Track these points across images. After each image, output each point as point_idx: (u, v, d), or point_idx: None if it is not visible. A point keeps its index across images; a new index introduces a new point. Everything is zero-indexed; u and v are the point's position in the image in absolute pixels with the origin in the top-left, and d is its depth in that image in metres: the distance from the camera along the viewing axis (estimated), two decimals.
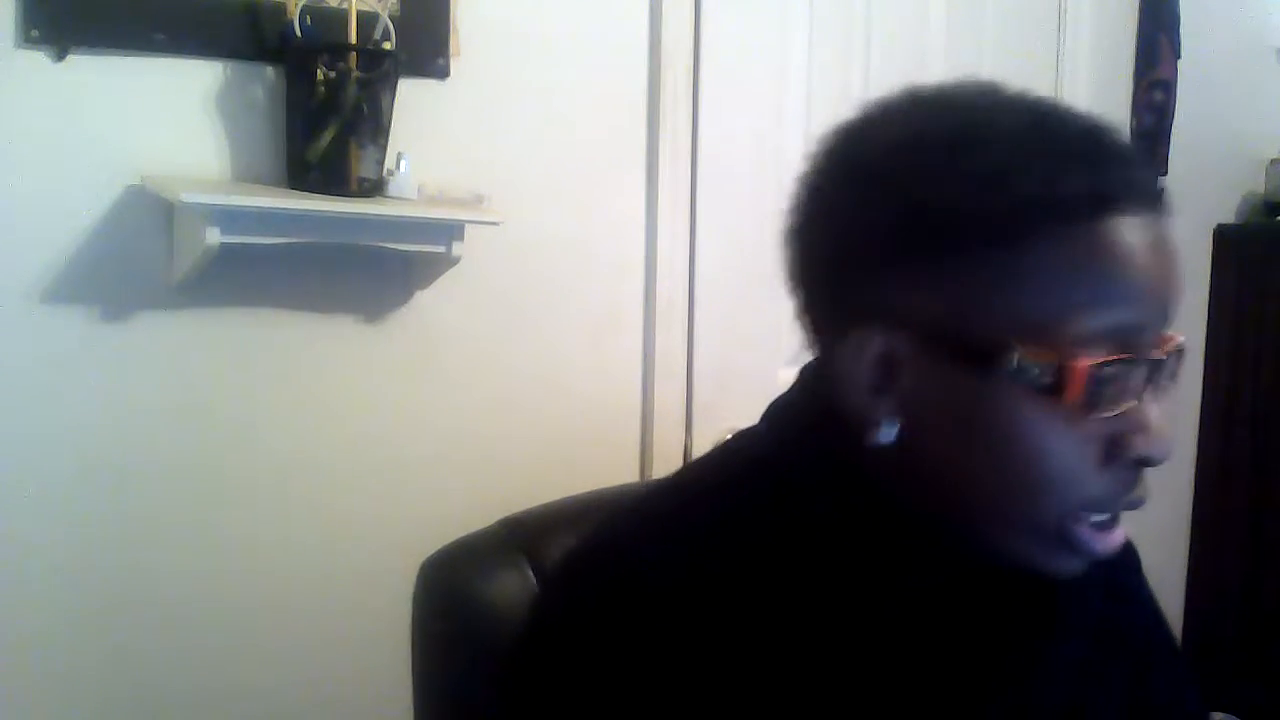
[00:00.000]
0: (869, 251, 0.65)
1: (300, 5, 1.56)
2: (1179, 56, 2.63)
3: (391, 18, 1.62)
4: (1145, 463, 0.64)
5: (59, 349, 1.54)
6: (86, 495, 1.57)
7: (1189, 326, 2.82)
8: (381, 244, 1.64)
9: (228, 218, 1.48)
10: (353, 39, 1.57)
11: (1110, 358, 0.61)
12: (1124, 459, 0.64)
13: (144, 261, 1.57)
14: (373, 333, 1.75)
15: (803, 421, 0.73)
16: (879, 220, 0.64)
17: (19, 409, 1.53)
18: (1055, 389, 0.61)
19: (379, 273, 1.73)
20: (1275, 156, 2.85)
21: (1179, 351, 0.68)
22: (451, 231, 1.66)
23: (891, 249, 0.64)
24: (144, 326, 1.58)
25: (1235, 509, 2.83)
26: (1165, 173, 2.66)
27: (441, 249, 1.66)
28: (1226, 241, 2.83)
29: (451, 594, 0.93)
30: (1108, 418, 0.62)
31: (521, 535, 0.95)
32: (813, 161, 0.70)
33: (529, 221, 1.81)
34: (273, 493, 1.69)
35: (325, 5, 1.61)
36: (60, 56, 1.50)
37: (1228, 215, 2.87)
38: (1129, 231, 0.63)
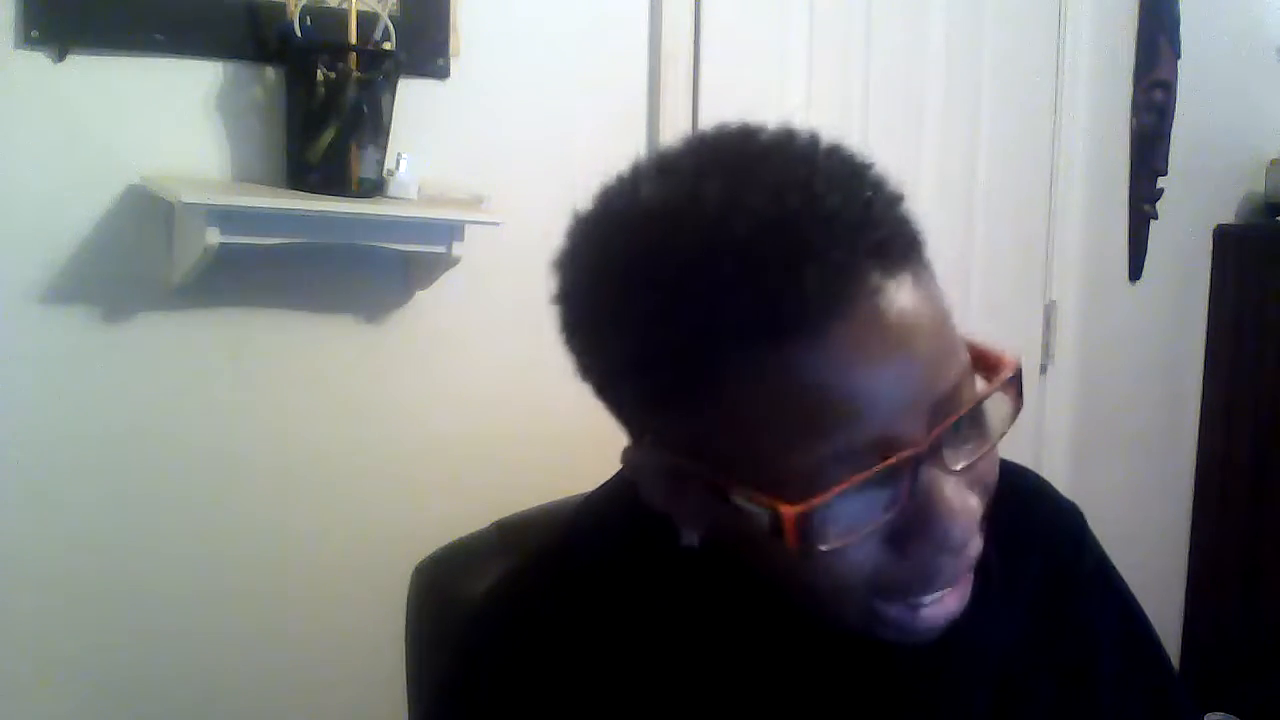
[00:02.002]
0: (602, 380, 0.63)
1: (300, 5, 1.56)
2: (1179, 56, 2.63)
3: (391, 18, 1.62)
4: (938, 551, 0.57)
5: (59, 349, 1.54)
6: (86, 494, 1.58)
7: (1189, 326, 2.83)
8: (381, 244, 1.64)
9: (227, 218, 1.48)
10: (353, 39, 1.58)
11: (824, 496, 0.53)
12: (913, 555, 0.57)
13: (144, 261, 1.57)
14: (373, 333, 1.75)
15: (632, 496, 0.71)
16: (594, 353, 0.63)
17: (19, 408, 1.53)
18: (780, 533, 0.54)
19: (379, 273, 1.73)
20: (1275, 156, 2.85)
21: (975, 410, 0.57)
22: (451, 231, 1.66)
23: (621, 379, 0.61)
24: (144, 326, 1.58)
25: (1235, 509, 2.83)
26: (1165, 172, 2.66)
27: (441, 249, 1.66)
28: (1226, 241, 2.83)
29: (444, 596, 0.94)
30: (873, 529, 0.56)
31: (514, 538, 0.96)
32: (554, 275, 0.68)
33: (529, 221, 1.81)
34: (270, 491, 1.69)
35: (325, 5, 1.61)
36: (60, 57, 1.50)
37: (1228, 215, 2.87)
38: (843, 342, 0.53)
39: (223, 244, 1.48)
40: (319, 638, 1.73)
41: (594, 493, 0.77)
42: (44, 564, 1.56)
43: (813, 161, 0.56)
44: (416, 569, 0.98)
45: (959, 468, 0.57)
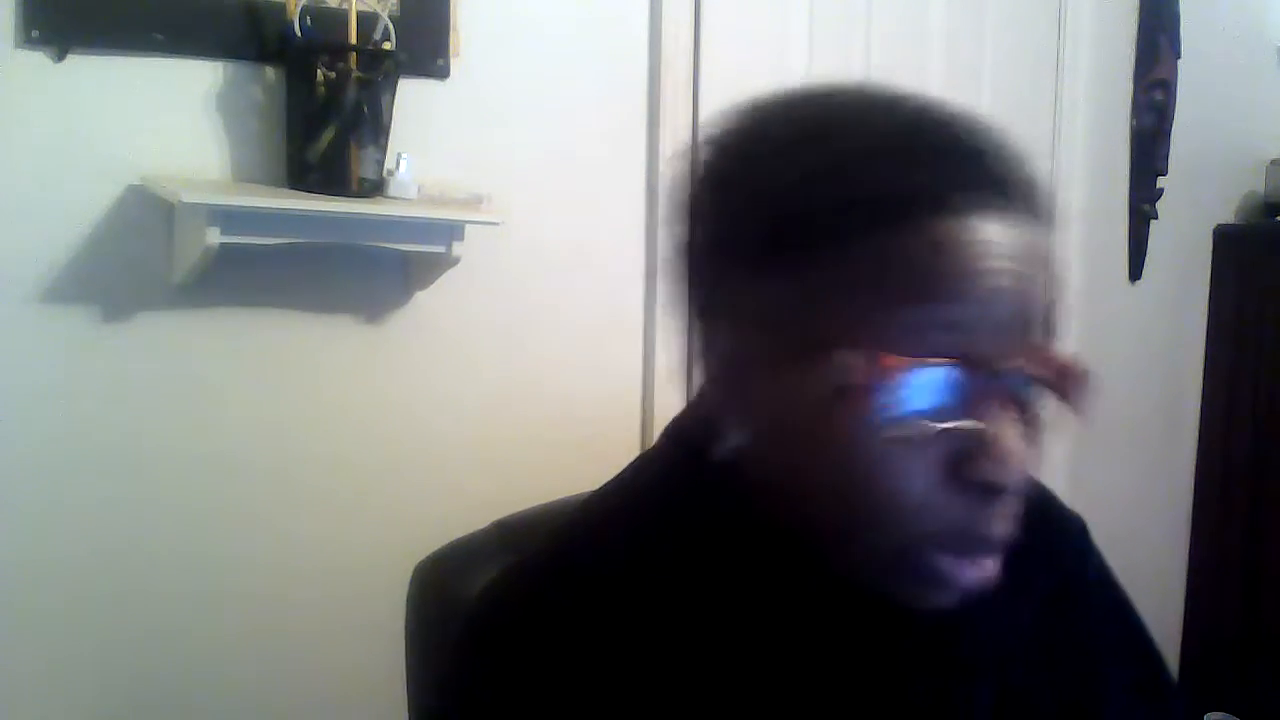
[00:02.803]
0: (716, 247, 0.65)
1: (300, 5, 1.56)
2: (1179, 56, 2.63)
3: (391, 18, 1.62)
4: (988, 488, 0.59)
5: (59, 349, 1.54)
6: (86, 493, 1.58)
7: (1189, 326, 2.83)
8: (381, 244, 1.65)
9: (228, 218, 1.48)
10: (353, 39, 1.58)
11: (934, 359, 0.57)
12: (965, 482, 0.59)
13: (144, 261, 1.57)
14: (373, 333, 1.75)
15: (681, 438, 0.73)
16: (724, 216, 0.64)
17: (19, 408, 1.53)
18: (874, 389, 0.57)
19: (379, 273, 1.73)
20: (1275, 156, 2.85)
21: (1059, 371, 0.61)
22: (451, 231, 1.66)
23: (734, 245, 0.63)
24: (144, 326, 1.58)
25: (1235, 509, 2.83)
26: (1165, 172, 2.66)
27: (441, 249, 1.66)
28: (1226, 241, 2.83)
29: (445, 595, 0.93)
30: (947, 433, 0.58)
31: (515, 537, 0.95)
32: (688, 159, 0.70)
33: (529, 221, 1.81)
34: (270, 492, 1.69)
35: (325, 5, 1.61)
36: (60, 57, 1.50)
37: (1228, 215, 2.88)
38: (966, 233, 0.58)
39: (223, 244, 1.48)
40: (320, 636, 1.73)
41: (595, 492, 0.77)
42: (45, 563, 1.56)
43: (969, 110, 0.64)
44: (416, 568, 0.98)
45: (1021, 421, 0.60)
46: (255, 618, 1.69)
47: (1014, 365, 0.59)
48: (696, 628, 0.66)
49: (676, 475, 0.70)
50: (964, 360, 0.57)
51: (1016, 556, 0.68)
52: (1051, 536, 0.78)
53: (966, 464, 0.58)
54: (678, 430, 0.74)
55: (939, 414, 0.58)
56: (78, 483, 1.57)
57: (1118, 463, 2.70)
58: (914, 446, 0.58)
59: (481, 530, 0.99)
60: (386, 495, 1.77)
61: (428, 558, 0.98)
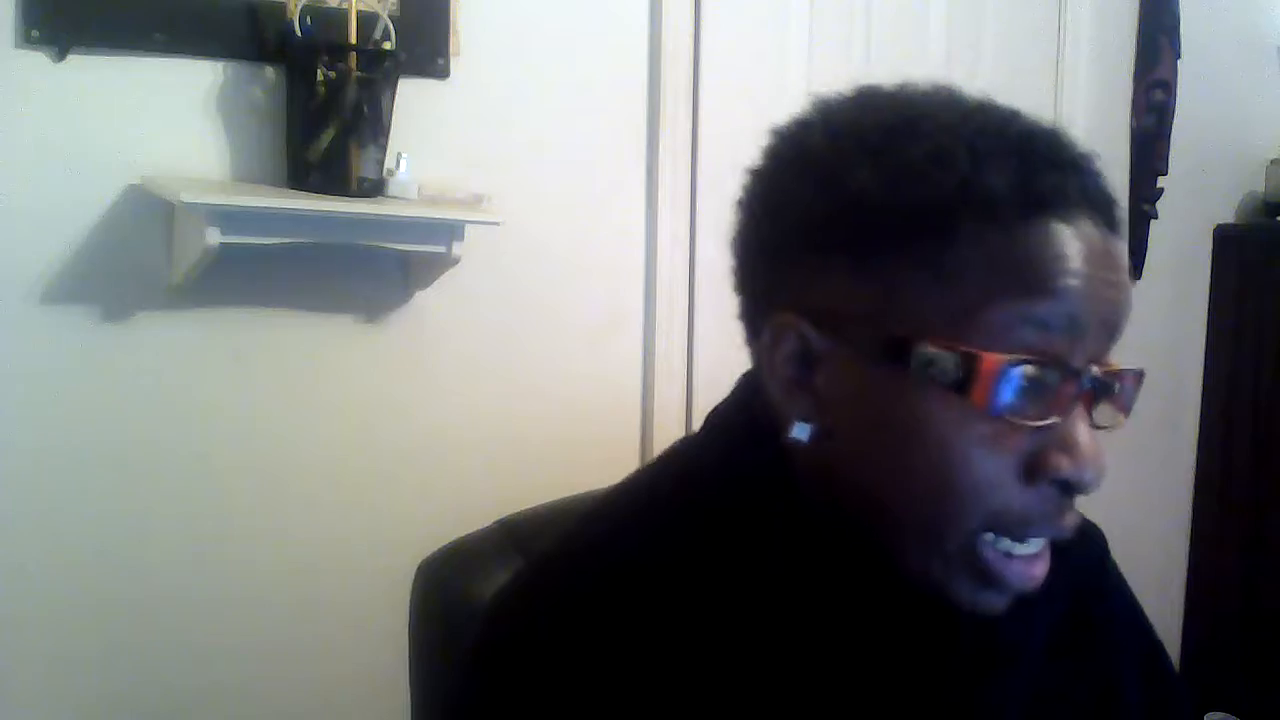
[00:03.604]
0: (793, 240, 0.65)
1: (300, 5, 1.56)
2: (1179, 56, 2.63)
3: (391, 18, 1.62)
4: (1068, 487, 0.60)
5: (59, 349, 1.54)
6: (86, 493, 1.57)
7: (1189, 326, 2.83)
8: (381, 244, 1.64)
9: (228, 218, 1.48)
10: (353, 39, 1.57)
11: (1025, 356, 0.58)
12: (1045, 478, 0.60)
13: (144, 261, 1.57)
14: (373, 333, 1.75)
15: (730, 429, 0.72)
16: (803, 209, 0.64)
17: (19, 408, 1.53)
18: (963, 384, 0.58)
19: (379, 273, 1.73)
20: (1275, 156, 2.85)
21: (1126, 377, 0.62)
22: (451, 231, 1.66)
23: (814, 238, 0.63)
24: (144, 326, 1.58)
25: (1235, 509, 2.82)
26: (1165, 172, 2.66)
27: (441, 249, 1.66)
28: (1226, 241, 2.83)
29: (448, 595, 0.93)
30: (1029, 429, 0.59)
31: (518, 536, 0.95)
32: (761, 152, 0.69)
33: (529, 221, 1.81)
34: (271, 492, 1.69)
35: (325, 5, 1.61)
36: (60, 56, 1.50)
37: (1228, 215, 2.87)
38: (1059, 235, 0.59)
39: (223, 244, 1.47)
40: (322, 636, 1.73)
41: (604, 495, 0.75)
42: (45, 563, 1.56)
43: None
44: (419, 568, 0.98)
45: (1102, 424, 0.62)
46: (256, 618, 1.69)
47: (1100, 368, 0.61)
48: (725, 632, 0.64)
49: (729, 466, 0.69)
50: (1054, 360, 0.59)
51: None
52: (1074, 546, 0.78)
53: (1047, 462, 0.59)
54: (724, 422, 0.73)
55: (1026, 412, 0.59)
56: (78, 482, 1.57)
57: (1118, 463, 2.69)
58: (999, 442, 0.59)
59: (484, 530, 0.99)
60: (388, 495, 1.76)
61: (430, 557, 0.98)
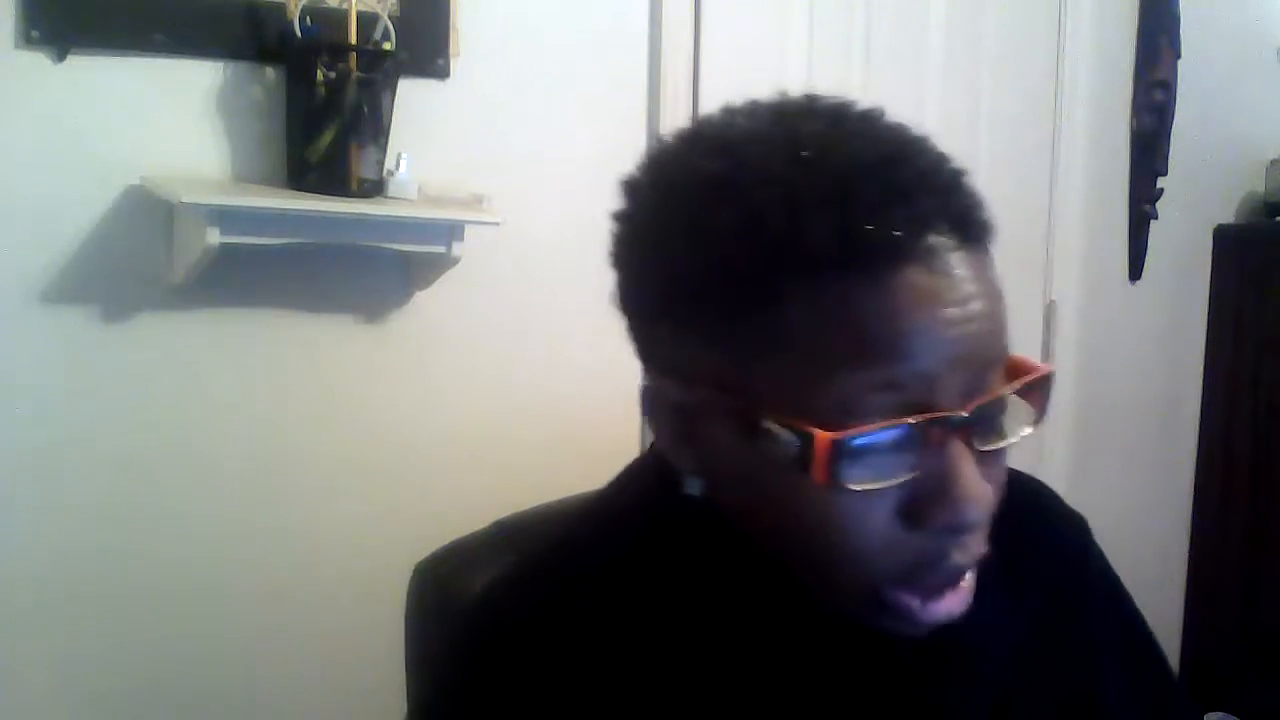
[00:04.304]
0: (645, 305, 0.64)
1: (300, 5, 1.56)
2: (1179, 56, 2.63)
3: (391, 18, 1.62)
4: (949, 530, 0.57)
5: (59, 349, 1.54)
6: (86, 493, 1.58)
7: (1189, 326, 2.83)
8: (381, 244, 1.64)
9: (228, 218, 1.48)
10: (353, 39, 1.58)
11: (866, 427, 0.54)
12: (926, 527, 0.57)
13: (144, 261, 1.57)
14: (373, 333, 1.75)
15: (645, 473, 0.72)
16: (639, 280, 0.64)
17: (19, 408, 1.53)
18: (805, 463, 0.55)
19: (379, 273, 1.73)
20: (1275, 157, 2.85)
21: (1003, 404, 0.59)
22: (451, 231, 1.66)
23: (659, 307, 0.62)
24: (144, 326, 1.58)
25: (1235, 509, 2.82)
26: (1165, 173, 2.66)
27: (441, 249, 1.66)
28: (1226, 241, 2.83)
29: (444, 595, 0.93)
30: (898, 486, 0.56)
31: (514, 537, 0.95)
32: (618, 204, 0.68)
33: (529, 221, 1.81)
34: (270, 492, 1.69)
35: (325, 5, 1.61)
36: (60, 57, 1.50)
37: (1228, 215, 2.87)
38: (891, 287, 0.54)
39: (223, 244, 1.48)
40: (318, 636, 1.73)
41: (597, 492, 0.76)
42: (45, 563, 1.56)
43: (905, 130, 0.60)
44: (416, 568, 0.98)
45: (984, 449, 0.58)
46: (255, 617, 1.69)
47: (973, 404, 0.57)
48: (700, 628, 0.65)
49: (652, 501, 0.69)
50: (915, 414, 0.55)
51: (1011, 559, 0.68)
52: (1050, 538, 0.78)
53: (926, 511, 0.57)
54: (641, 466, 0.74)
55: (892, 470, 0.56)
56: (77, 482, 1.57)
57: (1118, 463, 2.70)
58: (871, 501, 0.57)
59: (481, 530, 0.99)
60: (386, 495, 1.77)
61: (428, 557, 0.99)
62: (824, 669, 0.66)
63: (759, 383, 0.57)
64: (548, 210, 1.85)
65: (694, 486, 0.64)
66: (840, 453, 0.55)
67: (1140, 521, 2.73)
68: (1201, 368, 2.87)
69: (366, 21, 1.60)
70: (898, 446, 0.56)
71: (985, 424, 0.58)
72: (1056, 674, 0.74)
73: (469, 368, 1.82)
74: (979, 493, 0.57)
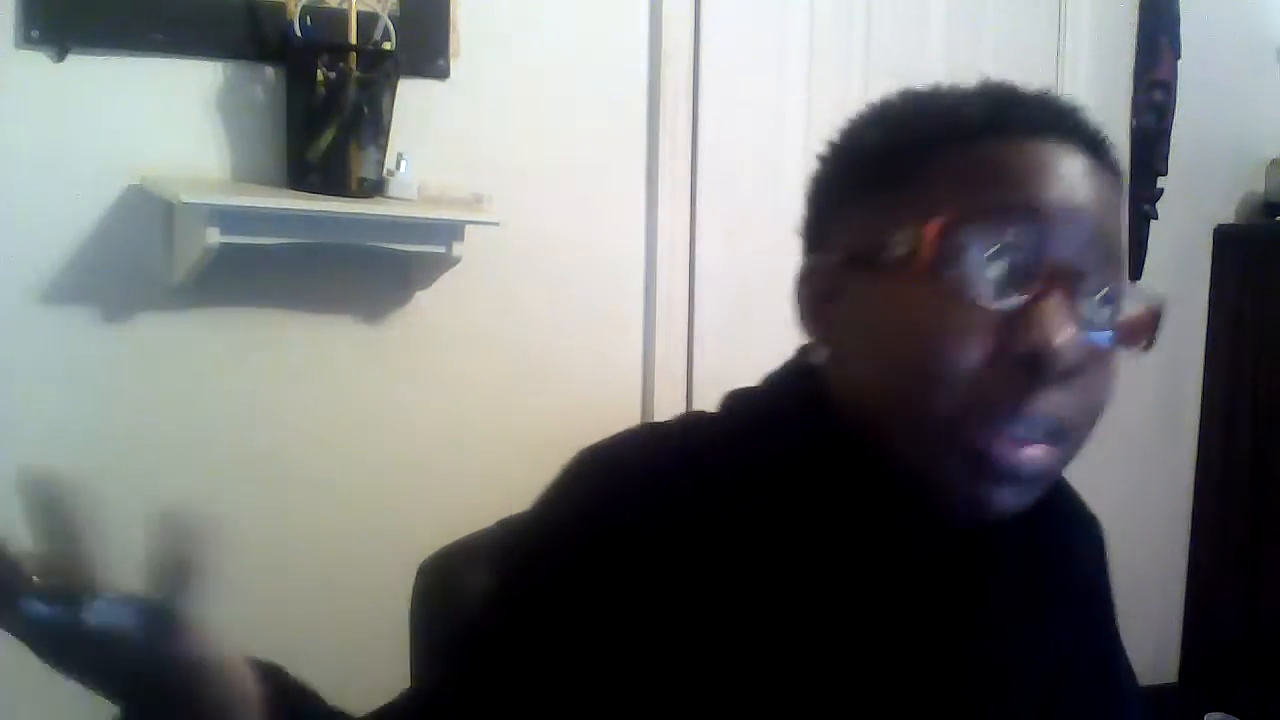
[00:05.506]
0: (821, 191, 0.73)
1: (300, 5, 1.56)
2: (1179, 56, 2.63)
3: (391, 18, 1.62)
4: (1031, 363, 0.61)
5: (59, 348, 1.54)
6: (85, 492, 1.57)
7: (1189, 326, 2.83)
8: (382, 244, 1.64)
9: (228, 218, 1.48)
10: (353, 39, 1.58)
11: (965, 219, 0.62)
12: (1009, 356, 0.61)
13: (144, 261, 1.57)
14: (373, 333, 1.75)
15: (786, 367, 0.77)
16: (835, 157, 0.73)
17: (19, 407, 1.53)
18: (912, 254, 0.62)
19: (379, 273, 1.73)
20: (1275, 156, 2.85)
21: (1117, 289, 0.66)
22: (451, 232, 1.66)
23: (834, 187, 0.72)
24: (144, 326, 1.58)
25: (1235, 509, 2.82)
26: (1165, 172, 2.66)
27: (441, 249, 1.66)
28: (1226, 241, 2.83)
29: (448, 595, 0.93)
30: (998, 315, 0.61)
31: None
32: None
33: (529, 221, 1.81)
34: (271, 492, 1.69)
35: (325, 5, 1.61)
36: (60, 57, 1.50)
37: (1228, 215, 2.87)
38: (1025, 150, 0.65)
39: (223, 244, 1.48)
40: (321, 637, 1.73)
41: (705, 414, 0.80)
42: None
43: None
44: (420, 568, 0.98)
45: (1084, 314, 0.63)
46: (257, 618, 1.68)
47: (1081, 278, 0.63)
48: (769, 524, 0.68)
49: (778, 384, 0.74)
50: (1026, 252, 0.62)
51: (1049, 558, 0.74)
52: (1080, 539, 0.80)
53: (1017, 338, 0.61)
54: (785, 364, 0.78)
55: (993, 291, 0.62)
56: (77, 481, 1.57)
57: (1118, 463, 2.70)
58: (971, 319, 0.61)
59: (485, 529, 0.99)
60: (388, 494, 1.76)
61: (431, 556, 0.98)
62: (895, 559, 0.69)
63: (896, 228, 0.64)
64: (548, 210, 1.85)
65: (819, 355, 0.70)
66: (943, 240, 0.61)
67: (1141, 521, 2.73)
68: (1201, 368, 2.87)
69: (366, 21, 1.60)
70: (1003, 274, 0.62)
71: (1081, 283, 0.63)
72: (1089, 671, 0.77)
73: (469, 367, 1.82)
74: (1064, 334, 0.61)
